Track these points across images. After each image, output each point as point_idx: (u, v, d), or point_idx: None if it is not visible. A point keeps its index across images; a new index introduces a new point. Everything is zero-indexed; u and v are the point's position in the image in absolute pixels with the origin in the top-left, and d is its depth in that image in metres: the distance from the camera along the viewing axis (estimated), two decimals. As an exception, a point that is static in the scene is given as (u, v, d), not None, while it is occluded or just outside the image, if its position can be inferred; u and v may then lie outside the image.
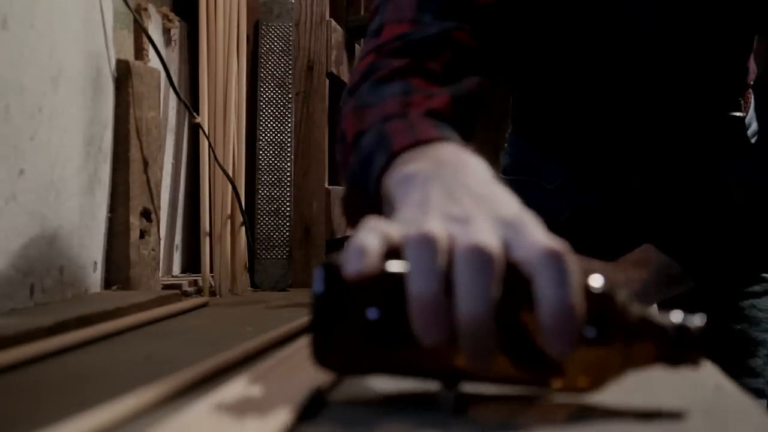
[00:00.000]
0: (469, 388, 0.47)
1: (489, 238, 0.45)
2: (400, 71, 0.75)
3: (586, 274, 0.46)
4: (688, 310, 0.49)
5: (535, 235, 0.45)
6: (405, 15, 0.81)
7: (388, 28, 0.81)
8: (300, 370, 0.57)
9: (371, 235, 0.45)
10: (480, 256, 0.44)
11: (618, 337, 0.46)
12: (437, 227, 0.45)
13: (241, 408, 0.45)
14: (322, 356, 0.46)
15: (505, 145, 1.19)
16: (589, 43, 0.97)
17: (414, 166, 0.57)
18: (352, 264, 0.44)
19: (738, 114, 1.03)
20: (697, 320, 0.47)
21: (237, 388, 0.50)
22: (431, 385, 0.47)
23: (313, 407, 0.47)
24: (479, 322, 0.43)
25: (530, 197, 0.73)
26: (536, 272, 0.44)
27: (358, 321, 0.45)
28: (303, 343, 0.68)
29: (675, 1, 0.92)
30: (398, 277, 0.44)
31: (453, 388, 0.47)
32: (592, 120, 1.03)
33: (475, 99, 0.78)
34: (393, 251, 0.45)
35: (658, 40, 0.94)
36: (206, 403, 0.46)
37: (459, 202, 0.50)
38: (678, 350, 0.47)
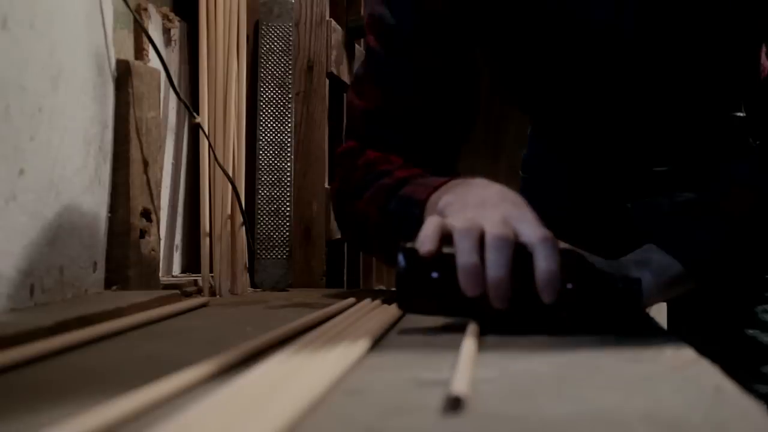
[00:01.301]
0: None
1: (505, 230, 0.75)
2: (368, 164, 1.01)
3: (573, 251, 0.79)
4: (700, 314, 0.61)
5: (534, 226, 0.76)
6: (357, 131, 1.07)
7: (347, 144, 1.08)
8: (301, 370, 0.57)
9: (433, 228, 0.76)
10: (500, 241, 0.74)
11: (586, 286, 0.78)
12: (474, 223, 0.75)
13: (242, 407, 0.45)
14: (405, 305, 0.80)
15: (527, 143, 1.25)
16: (584, 49, 0.96)
17: (448, 196, 0.85)
18: (422, 246, 0.75)
19: (740, 114, 1.03)
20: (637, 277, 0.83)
21: (238, 387, 0.50)
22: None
23: None
24: (501, 281, 0.74)
25: (542, 194, 1.01)
26: (535, 250, 0.75)
27: (428, 281, 0.77)
28: (303, 343, 0.68)
29: (673, 4, 0.92)
30: (451, 255, 0.75)
31: (486, 326, 0.76)
32: (591, 119, 1.03)
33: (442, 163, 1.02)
34: (447, 237, 0.76)
35: (651, 44, 0.94)
36: (207, 403, 0.46)
37: (485, 209, 0.78)
38: (628, 294, 0.79)
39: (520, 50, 1.00)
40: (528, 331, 0.77)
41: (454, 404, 0.47)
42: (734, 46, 0.98)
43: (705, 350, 0.69)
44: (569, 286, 0.77)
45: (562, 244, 0.77)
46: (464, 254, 0.74)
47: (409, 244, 0.77)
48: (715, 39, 0.95)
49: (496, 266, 0.73)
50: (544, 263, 0.74)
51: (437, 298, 0.78)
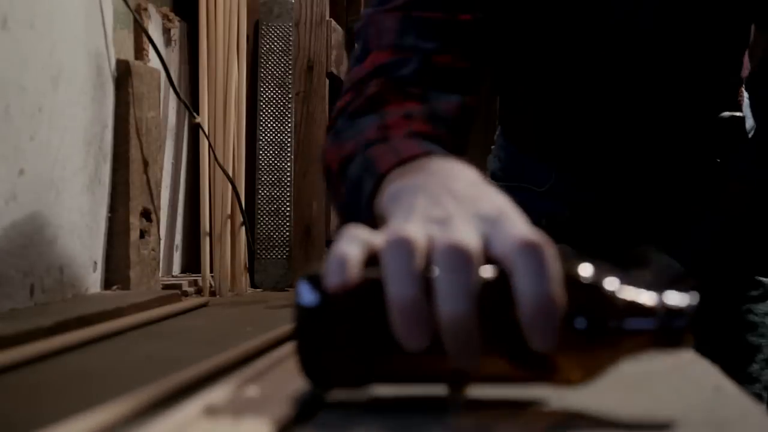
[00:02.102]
0: (470, 389, 0.47)
1: (467, 236, 0.45)
2: (374, 98, 0.76)
3: (573, 263, 0.45)
4: (700, 314, 0.47)
5: (514, 229, 0.45)
6: (386, 40, 0.82)
7: (371, 56, 0.82)
8: (296, 371, 0.57)
9: (351, 244, 0.45)
10: (458, 254, 0.43)
11: (608, 326, 0.45)
12: (414, 230, 0.45)
13: (236, 409, 0.45)
14: (311, 372, 0.45)
15: (492, 147, 1.17)
16: (582, 43, 0.96)
17: (401, 182, 0.57)
18: (333, 275, 0.43)
19: (738, 114, 1.03)
20: (689, 299, 0.46)
21: (232, 389, 0.50)
22: (436, 389, 0.46)
23: (308, 408, 0.47)
24: (461, 321, 0.42)
25: (522, 201, 0.72)
26: (514, 266, 0.43)
27: (345, 331, 0.44)
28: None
29: (679, 2, 0.92)
30: (380, 283, 0.43)
31: (457, 390, 0.46)
32: (585, 119, 1.03)
33: (457, 116, 0.79)
34: (374, 258, 0.44)
35: (654, 38, 0.94)
36: (200, 404, 0.46)
37: (441, 205, 0.50)
38: (670, 334, 0.46)
39: (536, 43, 1.00)
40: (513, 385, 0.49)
41: (453, 404, 0.47)
42: (734, 42, 0.98)
43: (704, 350, 0.69)
44: (581, 324, 0.44)
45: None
46: (396, 282, 0.43)
47: (315, 270, 0.45)
48: (729, 36, 0.95)
49: (451, 297, 0.43)
50: (528, 285, 0.43)
51: (360, 359, 0.45)
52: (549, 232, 0.46)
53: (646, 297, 0.46)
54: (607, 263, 0.49)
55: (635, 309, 0.46)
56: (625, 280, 0.47)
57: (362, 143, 0.69)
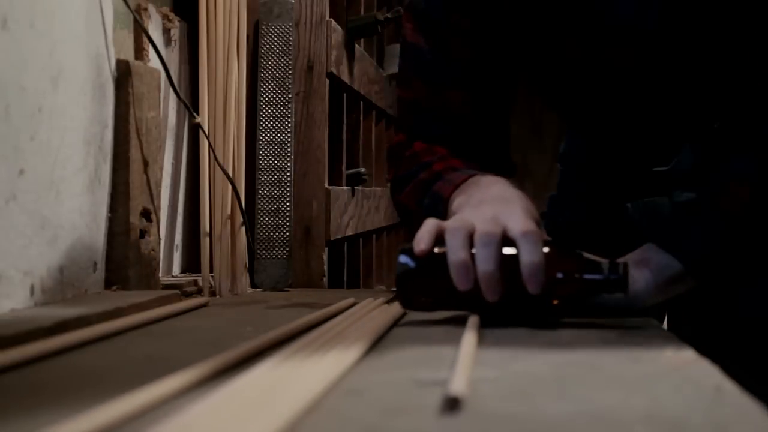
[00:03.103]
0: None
1: (492, 226, 0.81)
2: (413, 156, 1.07)
3: (557, 244, 0.83)
4: (700, 314, 0.63)
5: (520, 222, 0.81)
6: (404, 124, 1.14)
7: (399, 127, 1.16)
8: (299, 370, 0.57)
9: (429, 228, 0.82)
10: (487, 237, 0.80)
11: (574, 276, 0.83)
12: (464, 222, 0.82)
13: (242, 407, 0.45)
14: (405, 302, 0.86)
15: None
16: (586, 44, 0.97)
17: (460, 198, 0.92)
18: (418, 246, 0.81)
19: (739, 114, 1.03)
20: (623, 262, 0.83)
21: (238, 387, 0.50)
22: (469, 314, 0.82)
23: None
24: (490, 275, 0.79)
25: (577, 180, 1.21)
26: (519, 244, 0.80)
27: (423, 278, 0.83)
28: (302, 343, 0.68)
29: (696, 2, 0.92)
30: (444, 253, 0.81)
31: (484, 315, 0.82)
32: (613, 119, 1.04)
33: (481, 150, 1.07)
34: (443, 237, 0.81)
35: (673, 41, 0.94)
36: (206, 403, 0.46)
37: (481, 206, 0.86)
38: (612, 282, 0.82)
39: (545, 45, 1.00)
40: (523, 321, 0.82)
41: (452, 404, 0.47)
42: (754, 46, 0.97)
43: (705, 350, 0.69)
44: (559, 275, 0.81)
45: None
46: (454, 251, 0.80)
47: (407, 245, 0.82)
48: (736, 38, 0.95)
49: (484, 261, 0.79)
50: (527, 256, 0.79)
51: (434, 294, 0.83)
52: (553, 229, 0.84)
53: (598, 259, 0.83)
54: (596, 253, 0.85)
55: (590, 265, 0.83)
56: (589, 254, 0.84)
57: (423, 185, 1.01)
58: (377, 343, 0.73)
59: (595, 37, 0.96)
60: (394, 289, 0.87)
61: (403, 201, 1.07)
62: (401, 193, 1.07)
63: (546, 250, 0.80)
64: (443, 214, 0.92)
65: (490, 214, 0.82)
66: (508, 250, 0.80)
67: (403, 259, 0.83)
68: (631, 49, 0.96)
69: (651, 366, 0.64)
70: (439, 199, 0.96)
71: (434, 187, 0.98)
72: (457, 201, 0.91)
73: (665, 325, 1.13)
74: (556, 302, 0.82)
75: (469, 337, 0.70)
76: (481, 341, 0.73)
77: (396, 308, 0.88)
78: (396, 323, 0.84)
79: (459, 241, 0.79)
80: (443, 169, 1.00)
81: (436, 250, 0.81)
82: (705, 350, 0.68)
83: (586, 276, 0.82)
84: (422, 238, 0.81)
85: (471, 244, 0.80)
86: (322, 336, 0.72)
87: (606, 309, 0.87)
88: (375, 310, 0.91)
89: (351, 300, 0.99)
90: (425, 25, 1.06)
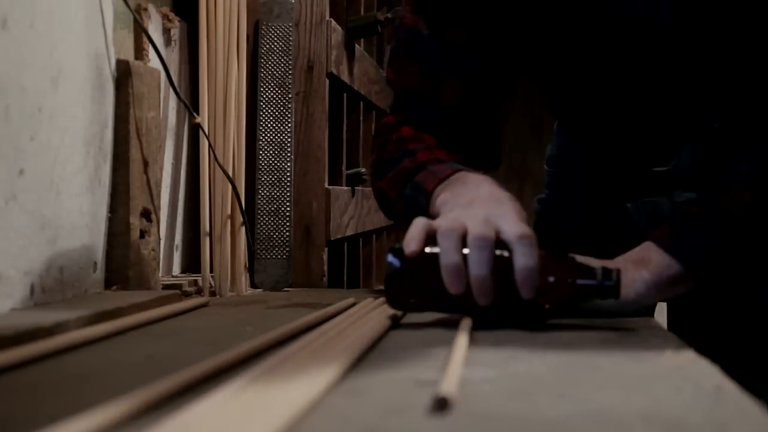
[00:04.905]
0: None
1: (486, 229, 0.78)
2: (400, 140, 1.03)
3: (555, 249, 0.82)
4: (700, 314, 0.63)
5: (514, 225, 0.79)
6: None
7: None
8: (300, 369, 0.57)
9: (419, 228, 0.80)
10: (481, 240, 0.77)
11: (566, 280, 0.81)
12: (456, 223, 0.79)
13: (242, 407, 0.45)
14: (394, 302, 0.83)
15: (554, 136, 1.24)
16: (599, 38, 0.96)
17: (446, 193, 0.89)
18: (407, 247, 0.79)
19: (740, 114, 1.03)
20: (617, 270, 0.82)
21: (237, 387, 0.50)
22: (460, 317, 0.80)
23: None
24: (483, 279, 0.77)
25: (570, 186, 1.17)
26: (513, 248, 0.78)
27: (414, 279, 0.81)
28: (303, 343, 0.68)
29: None
30: (436, 254, 0.78)
31: (474, 318, 0.80)
32: (617, 117, 1.04)
33: (469, 142, 1.05)
34: (433, 237, 0.79)
35: (672, 31, 0.94)
36: (206, 403, 0.46)
37: (471, 207, 0.83)
38: (604, 288, 0.81)
39: (553, 39, 1.00)
40: (515, 324, 0.81)
41: (441, 405, 0.47)
42: (760, 43, 0.97)
43: (705, 350, 0.69)
44: (551, 279, 0.80)
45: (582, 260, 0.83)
46: (446, 254, 0.77)
47: (397, 245, 0.81)
48: (744, 34, 0.95)
49: (477, 265, 0.77)
50: (521, 260, 0.77)
51: (424, 295, 0.82)
52: (546, 232, 0.81)
53: (590, 264, 0.82)
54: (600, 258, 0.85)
55: (582, 270, 0.81)
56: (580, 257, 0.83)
57: (406, 173, 0.97)
58: (377, 343, 0.73)
59: (604, 31, 0.96)
60: (383, 287, 0.85)
61: (384, 188, 1.03)
62: (382, 178, 1.03)
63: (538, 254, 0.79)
64: (425, 206, 0.91)
65: (483, 215, 0.80)
66: (500, 253, 0.78)
67: (393, 259, 0.80)
68: (641, 44, 0.95)
69: (651, 366, 0.64)
70: (421, 191, 0.93)
71: (417, 178, 0.95)
72: (443, 197, 0.88)
73: (665, 325, 1.13)
74: (547, 306, 0.81)
75: (462, 338, 0.70)
76: (481, 341, 0.73)
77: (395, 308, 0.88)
78: (395, 324, 0.84)
79: (452, 243, 0.77)
80: (428, 160, 0.97)
81: (426, 250, 0.79)
82: (705, 350, 0.68)
83: (579, 281, 0.81)
84: (413, 238, 0.79)
85: (463, 246, 0.78)
86: (321, 336, 0.72)
87: (599, 311, 0.87)
88: (375, 310, 0.91)
89: (351, 300, 0.99)
90: (425, 6, 1.03)
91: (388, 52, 1.24)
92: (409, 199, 0.95)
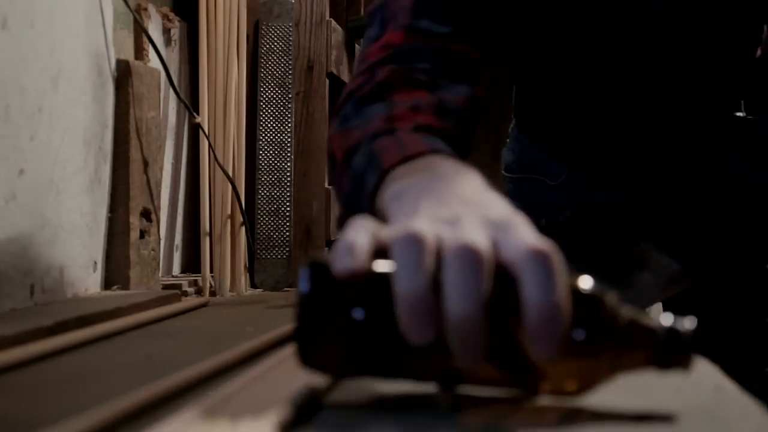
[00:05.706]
0: (461, 390, 0.46)
1: (478, 237, 0.44)
2: (384, 84, 0.74)
3: (575, 275, 0.44)
4: (700, 313, 0.47)
5: (523, 236, 0.45)
6: (400, 21, 0.81)
7: (385, 37, 0.81)
8: (297, 371, 0.57)
9: (360, 233, 0.44)
10: (469, 255, 0.43)
11: (607, 340, 0.45)
12: (425, 227, 0.45)
13: (236, 410, 0.45)
14: (309, 358, 0.44)
15: (507, 140, 1.18)
16: (594, 31, 0.96)
17: (405, 180, 0.57)
18: (340, 262, 0.43)
19: (740, 114, 1.03)
20: (688, 323, 0.46)
21: (232, 389, 0.50)
22: (427, 387, 0.46)
23: (307, 410, 0.47)
24: (469, 321, 0.42)
25: (533, 195, 0.75)
26: (522, 273, 0.43)
27: (347, 321, 0.43)
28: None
29: None
30: (387, 276, 0.42)
31: (448, 391, 0.46)
32: (597, 114, 1.03)
33: (466, 108, 0.77)
34: (382, 251, 0.44)
35: (667, 29, 0.94)
36: (200, 406, 0.46)
37: (448, 206, 0.49)
38: (668, 354, 0.46)
39: (547, 31, 1.00)
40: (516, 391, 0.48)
41: (439, 404, 0.47)
42: (746, 40, 0.97)
43: (705, 350, 0.69)
44: (579, 335, 0.44)
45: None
46: (406, 276, 0.43)
47: (320, 258, 0.44)
48: (741, 23, 0.95)
49: (460, 296, 0.43)
50: (536, 293, 0.43)
51: (360, 350, 0.44)
52: (547, 233, 0.46)
53: (645, 315, 0.46)
54: (605, 265, 0.50)
55: (635, 325, 0.45)
56: (623, 297, 0.46)
57: (369, 134, 0.67)
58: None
59: (601, 23, 0.96)
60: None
61: (333, 144, 0.72)
62: (339, 128, 0.73)
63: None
64: (371, 190, 0.60)
65: (475, 217, 0.47)
66: (499, 280, 0.43)
67: (309, 282, 0.43)
68: (634, 40, 0.95)
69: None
70: (374, 165, 0.62)
71: (376, 144, 0.65)
72: (402, 184, 0.56)
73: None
74: (571, 387, 0.46)
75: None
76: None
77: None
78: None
79: (416, 259, 0.43)
80: (403, 122, 0.68)
81: (373, 269, 0.43)
82: (705, 350, 0.68)
83: (629, 339, 0.46)
84: (350, 249, 0.43)
85: (437, 266, 0.43)
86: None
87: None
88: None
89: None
90: None
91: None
92: (357, 174, 0.65)
